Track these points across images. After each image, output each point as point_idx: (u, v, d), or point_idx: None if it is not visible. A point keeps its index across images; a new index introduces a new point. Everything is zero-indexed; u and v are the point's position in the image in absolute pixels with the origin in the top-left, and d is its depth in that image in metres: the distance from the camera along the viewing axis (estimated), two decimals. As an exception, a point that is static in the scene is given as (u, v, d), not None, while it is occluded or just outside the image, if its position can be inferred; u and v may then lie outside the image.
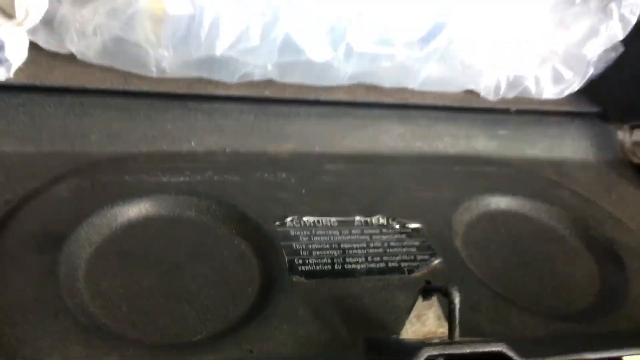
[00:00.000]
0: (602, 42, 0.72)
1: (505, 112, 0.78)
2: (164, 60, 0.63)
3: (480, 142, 0.76)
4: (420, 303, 0.46)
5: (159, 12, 0.60)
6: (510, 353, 0.43)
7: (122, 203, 0.56)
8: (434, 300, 0.47)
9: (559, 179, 0.75)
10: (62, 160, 0.60)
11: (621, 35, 0.71)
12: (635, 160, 0.81)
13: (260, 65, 0.65)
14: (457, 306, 0.43)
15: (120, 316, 0.48)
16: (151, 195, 0.58)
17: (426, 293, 0.46)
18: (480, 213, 0.68)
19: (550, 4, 0.71)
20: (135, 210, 0.57)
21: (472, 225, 0.66)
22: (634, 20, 0.71)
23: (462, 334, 0.44)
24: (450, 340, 0.44)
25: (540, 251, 0.65)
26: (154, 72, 0.64)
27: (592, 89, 0.81)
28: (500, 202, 0.69)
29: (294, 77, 0.67)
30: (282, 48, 0.64)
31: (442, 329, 0.47)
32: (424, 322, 0.46)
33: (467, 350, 0.42)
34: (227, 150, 0.66)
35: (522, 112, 0.78)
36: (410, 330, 0.46)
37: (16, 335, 0.43)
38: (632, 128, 0.81)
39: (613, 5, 0.70)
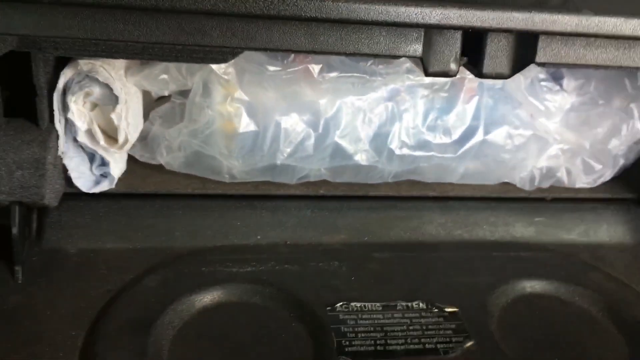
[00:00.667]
0: (625, 139, 0.78)
1: (541, 200, 0.85)
2: (234, 168, 0.75)
3: (518, 229, 0.83)
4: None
5: (231, 130, 0.72)
6: None
7: (199, 291, 0.68)
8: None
9: (594, 263, 0.80)
10: (152, 254, 0.72)
11: (636, 133, 0.78)
12: (673, 243, 0.85)
13: (315, 169, 0.76)
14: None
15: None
16: (223, 284, 0.69)
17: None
18: (516, 297, 0.74)
19: (572, 103, 0.78)
20: (209, 297, 0.68)
21: (508, 309, 0.72)
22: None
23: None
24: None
25: (573, 333, 0.70)
26: (226, 178, 0.76)
27: (626, 177, 0.87)
28: (535, 285, 0.75)
29: (345, 177, 0.78)
30: (332, 155, 0.75)
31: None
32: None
33: None
34: (287, 242, 0.77)
35: (557, 200, 0.85)
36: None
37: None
38: (668, 212, 0.85)
39: (633, 105, 0.77)
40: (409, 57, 0.50)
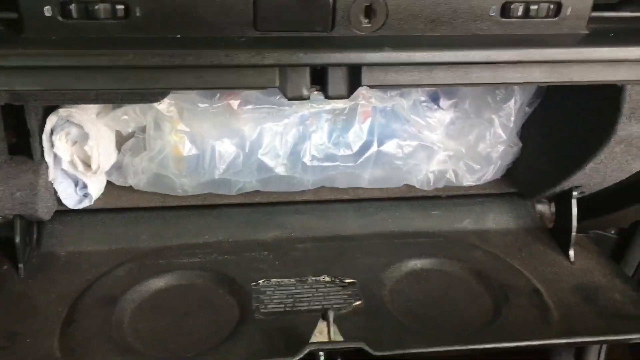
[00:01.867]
0: (489, 143, 0.99)
1: (438, 198, 1.05)
2: (185, 184, 0.97)
3: (417, 222, 1.02)
4: (320, 322, 0.74)
5: (178, 155, 0.95)
6: (367, 348, 0.70)
7: (156, 277, 0.89)
8: (329, 319, 0.74)
9: (479, 244, 1.00)
10: (123, 254, 0.94)
11: (505, 136, 0.98)
12: (549, 226, 1.04)
13: (248, 181, 0.98)
14: (331, 320, 0.71)
15: (147, 341, 0.79)
16: (175, 271, 0.91)
17: (322, 316, 0.74)
18: (408, 271, 0.94)
19: (451, 117, 0.99)
20: (164, 281, 0.90)
21: (399, 281, 0.92)
22: (511, 124, 0.97)
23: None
24: (327, 341, 0.71)
25: (450, 296, 0.90)
26: (180, 193, 0.98)
27: (511, 175, 1.07)
28: (425, 263, 0.95)
29: (272, 187, 0.99)
30: (258, 169, 0.96)
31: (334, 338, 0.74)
32: (321, 332, 0.73)
33: (336, 347, 0.69)
34: (229, 239, 0.98)
35: (451, 197, 1.05)
36: (314, 338, 0.74)
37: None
38: (550, 201, 1.04)
39: (494, 116, 0.97)
40: (270, 87, 0.72)
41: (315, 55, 0.69)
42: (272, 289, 0.88)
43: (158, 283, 0.89)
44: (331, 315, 0.73)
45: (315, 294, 0.87)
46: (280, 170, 0.97)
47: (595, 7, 0.72)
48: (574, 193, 0.95)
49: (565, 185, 0.94)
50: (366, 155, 0.98)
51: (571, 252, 0.97)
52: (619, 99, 0.77)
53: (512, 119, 0.98)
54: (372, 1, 0.68)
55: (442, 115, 1.00)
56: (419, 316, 0.85)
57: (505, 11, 0.70)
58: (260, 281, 0.89)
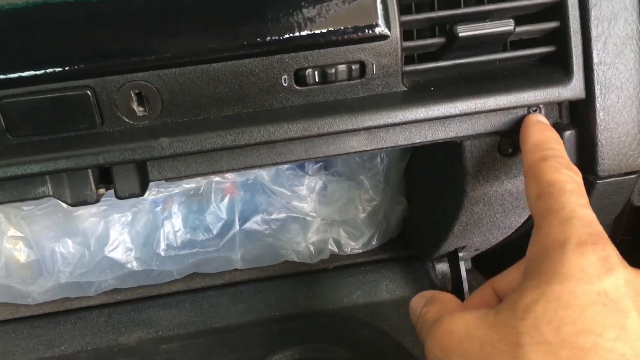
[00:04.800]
0: (364, 205, 0.88)
1: (324, 270, 0.94)
2: (33, 292, 0.87)
3: (300, 301, 0.92)
4: None
5: (18, 262, 0.85)
6: None
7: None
8: None
9: (370, 320, 0.89)
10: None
11: (377, 197, 0.88)
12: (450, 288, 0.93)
13: (102, 280, 0.88)
14: None
15: None
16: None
17: None
18: (283, 363, 0.83)
19: (323, 182, 0.89)
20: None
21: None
22: (381, 185, 0.87)
23: None
24: None
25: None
26: (30, 301, 0.88)
27: (403, 236, 0.96)
28: (304, 352, 0.84)
29: (131, 283, 0.90)
30: (111, 266, 0.87)
31: None
32: None
33: None
34: (88, 348, 0.88)
35: (339, 268, 0.94)
36: None
37: None
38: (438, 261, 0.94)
39: (363, 177, 0.87)
40: (40, 198, 0.63)
41: (80, 157, 0.59)
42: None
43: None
44: None
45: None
46: (134, 265, 0.87)
47: (409, 60, 0.63)
48: (460, 254, 0.85)
49: (449, 246, 0.84)
50: (228, 237, 0.88)
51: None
52: (461, 156, 0.67)
53: (382, 178, 0.88)
54: (140, 88, 0.59)
55: (311, 182, 0.90)
56: None
57: (299, 79, 0.60)
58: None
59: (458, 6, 0.62)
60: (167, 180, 0.63)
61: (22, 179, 0.60)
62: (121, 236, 0.86)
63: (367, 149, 0.64)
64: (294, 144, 0.63)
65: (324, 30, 0.58)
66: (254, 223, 0.89)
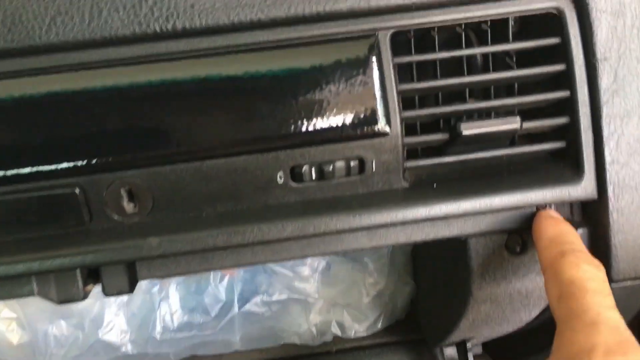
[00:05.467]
0: (369, 287, 0.85)
1: (327, 353, 0.90)
2: (28, 372, 0.85)
3: (302, 390, 0.88)
4: None
5: (11, 343, 0.83)
6: None
7: None
8: None
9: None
10: None
11: (383, 281, 0.84)
12: (459, 376, 0.88)
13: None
14: None
15: None
16: None
17: None
18: None
19: (326, 262, 0.86)
20: None
21: None
22: (386, 268, 0.84)
23: None
24: None
25: None
26: (22, 383, 0.85)
27: (413, 319, 0.92)
28: None
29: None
30: (105, 349, 0.84)
31: None
32: None
33: None
34: None
35: (342, 351, 0.90)
36: None
37: None
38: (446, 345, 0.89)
39: (367, 259, 0.84)
40: (26, 296, 0.60)
41: (67, 258, 0.57)
42: None
43: None
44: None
45: None
46: (128, 348, 0.84)
47: (412, 153, 0.60)
48: (468, 345, 0.80)
49: (456, 337, 0.79)
50: (226, 320, 0.85)
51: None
52: (466, 254, 0.64)
53: (387, 261, 0.84)
54: (131, 185, 0.57)
55: (314, 261, 0.87)
56: None
57: (295, 176, 0.58)
58: None
59: (463, 99, 0.60)
60: (157, 278, 0.61)
61: (8, 279, 0.58)
62: (116, 318, 0.84)
63: (367, 247, 0.61)
64: (290, 242, 0.60)
65: (321, 128, 0.56)
66: (254, 305, 0.85)
